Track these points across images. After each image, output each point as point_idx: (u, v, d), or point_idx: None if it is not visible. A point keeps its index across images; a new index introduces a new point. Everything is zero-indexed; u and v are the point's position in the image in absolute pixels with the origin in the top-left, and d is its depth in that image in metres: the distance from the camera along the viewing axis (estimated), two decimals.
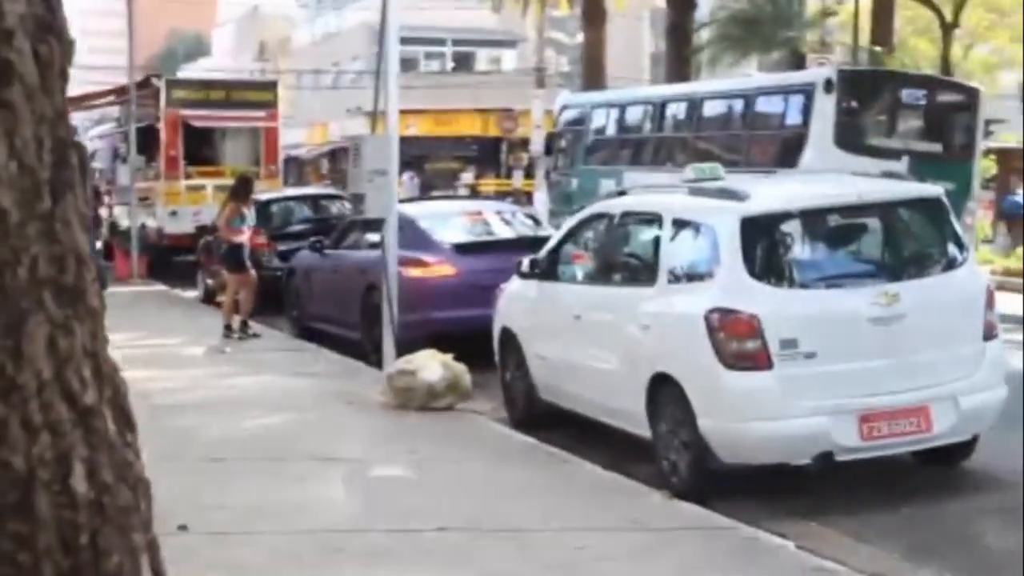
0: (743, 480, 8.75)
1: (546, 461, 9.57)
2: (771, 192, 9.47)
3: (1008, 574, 7.35)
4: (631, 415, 9.35)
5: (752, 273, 8.56)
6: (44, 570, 1.72)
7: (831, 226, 9.07)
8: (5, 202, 1.69)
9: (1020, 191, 30.16)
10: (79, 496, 1.71)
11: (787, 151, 18.79)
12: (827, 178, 11.01)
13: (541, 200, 33.56)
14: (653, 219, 9.68)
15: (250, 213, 17.04)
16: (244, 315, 16.49)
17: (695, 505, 8.24)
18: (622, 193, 10.79)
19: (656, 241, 9.50)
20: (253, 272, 16.72)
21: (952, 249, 9.20)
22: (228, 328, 16.27)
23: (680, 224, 9.27)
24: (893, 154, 17.78)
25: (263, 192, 22.47)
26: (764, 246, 8.73)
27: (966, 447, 9.13)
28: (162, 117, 26.48)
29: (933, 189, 9.47)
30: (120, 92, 29.24)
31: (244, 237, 16.67)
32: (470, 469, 9.20)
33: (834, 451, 8.37)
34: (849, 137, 18.20)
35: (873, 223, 9.21)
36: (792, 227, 8.84)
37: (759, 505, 8.53)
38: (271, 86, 30.18)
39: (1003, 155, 29.57)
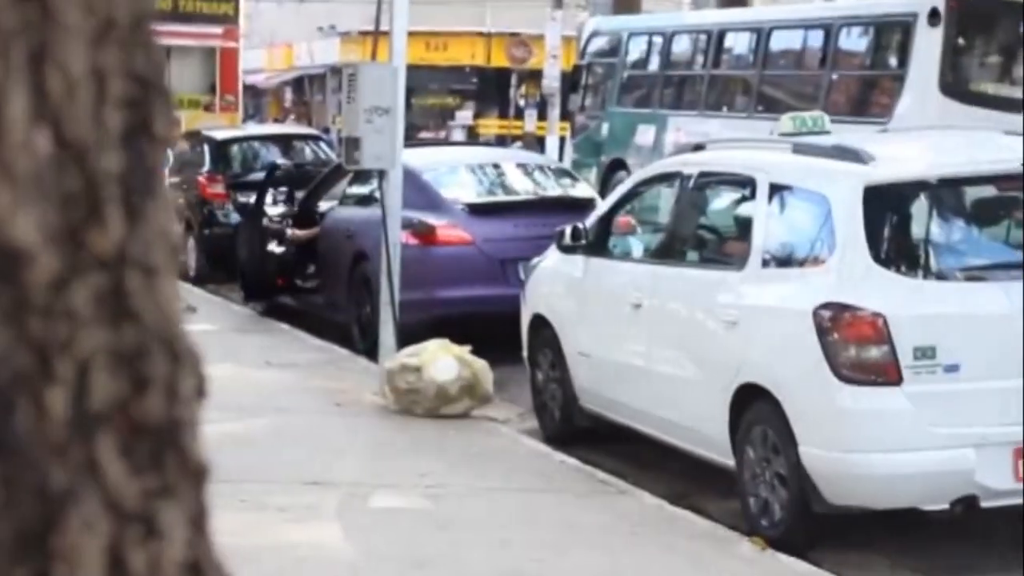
0: (851, 527, 8.19)
1: (597, 491, 9.04)
2: (901, 153, 8.87)
3: None
4: (707, 436, 8.83)
5: (878, 259, 8.03)
6: None
7: (981, 201, 8.50)
8: (24, 234, 0.87)
9: None
10: None
11: (877, 98, 18.30)
12: (971, 137, 10.39)
13: (555, 146, 32.98)
14: (743, 183, 9.19)
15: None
16: None
17: (800, 560, 7.68)
18: (699, 147, 10.20)
19: (747, 212, 9.01)
20: None
21: None
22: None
23: (781, 190, 8.75)
24: (1013, 105, 17.19)
25: (219, 129, 21.87)
26: (894, 224, 8.23)
27: None
28: None
29: None
30: None
31: None
32: (501, 502, 8.65)
33: (979, 494, 7.80)
34: (958, 82, 17.67)
35: None
36: (931, 200, 8.26)
37: (878, 560, 7.99)
38: None
39: None
